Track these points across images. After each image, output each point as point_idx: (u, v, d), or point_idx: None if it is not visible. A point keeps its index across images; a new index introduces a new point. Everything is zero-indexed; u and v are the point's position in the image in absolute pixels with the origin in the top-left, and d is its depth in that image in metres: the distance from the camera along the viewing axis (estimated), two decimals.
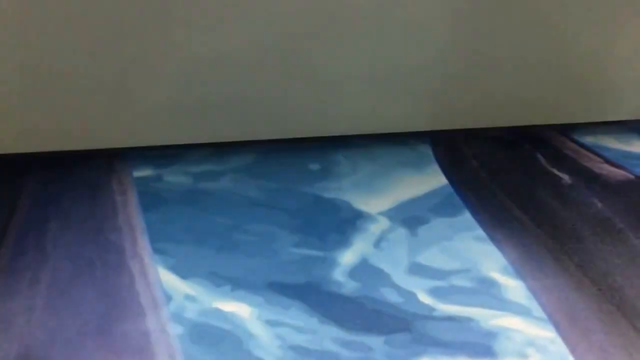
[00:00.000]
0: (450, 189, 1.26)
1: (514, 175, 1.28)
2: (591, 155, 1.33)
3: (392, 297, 1.05)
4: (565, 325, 1.01)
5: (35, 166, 1.28)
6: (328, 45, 1.27)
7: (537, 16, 1.29)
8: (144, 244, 1.15)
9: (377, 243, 1.15)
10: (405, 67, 1.30)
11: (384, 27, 1.27)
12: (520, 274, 1.09)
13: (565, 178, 1.27)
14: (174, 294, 1.04)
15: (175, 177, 1.27)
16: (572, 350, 0.97)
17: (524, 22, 1.29)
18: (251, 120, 1.30)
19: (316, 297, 1.05)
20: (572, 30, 1.31)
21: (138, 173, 1.29)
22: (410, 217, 1.19)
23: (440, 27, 1.28)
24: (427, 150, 1.35)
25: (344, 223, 1.18)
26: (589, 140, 1.36)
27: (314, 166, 1.30)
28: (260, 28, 1.25)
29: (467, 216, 1.20)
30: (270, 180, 1.27)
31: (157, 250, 1.13)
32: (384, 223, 1.18)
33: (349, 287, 1.06)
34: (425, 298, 1.05)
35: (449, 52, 1.30)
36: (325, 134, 1.32)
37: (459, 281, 1.07)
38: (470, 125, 1.35)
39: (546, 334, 0.99)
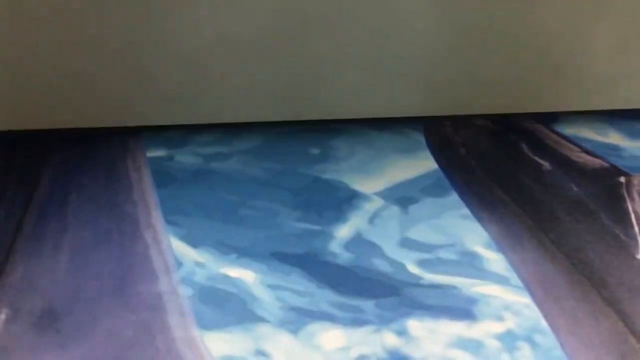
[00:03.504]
0: (440, 173, 1.34)
1: (499, 161, 1.36)
2: (570, 145, 1.41)
3: (383, 267, 1.13)
4: (539, 293, 1.09)
5: (58, 142, 1.37)
6: (329, 35, 1.35)
7: (524, 8, 1.36)
8: (157, 216, 1.23)
9: (371, 219, 1.23)
10: (399, 58, 1.38)
11: (381, 19, 1.35)
12: (500, 248, 1.17)
13: (546, 165, 1.35)
14: (185, 261, 1.12)
15: (186, 158, 1.35)
16: (545, 315, 1.05)
17: (511, 15, 1.36)
18: (258, 104, 1.39)
19: (314, 265, 1.13)
20: (555, 23, 1.38)
21: (151, 153, 1.37)
22: (402, 197, 1.27)
23: (431, 18, 1.36)
24: (419, 137, 1.43)
25: (341, 201, 1.26)
26: (569, 131, 1.44)
27: (314, 150, 1.38)
28: (269, 13, 1.33)
29: (454, 196, 1.28)
30: (274, 162, 1.35)
31: (169, 222, 1.21)
32: (377, 202, 1.26)
33: (344, 257, 1.14)
34: (413, 268, 1.13)
35: (440, 44, 1.38)
36: (326, 117, 1.40)
37: (444, 254, 1.15)
38: (460, 112, 1.43)
39: (522, 300, 1.07)
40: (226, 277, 1.09)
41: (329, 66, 1.38)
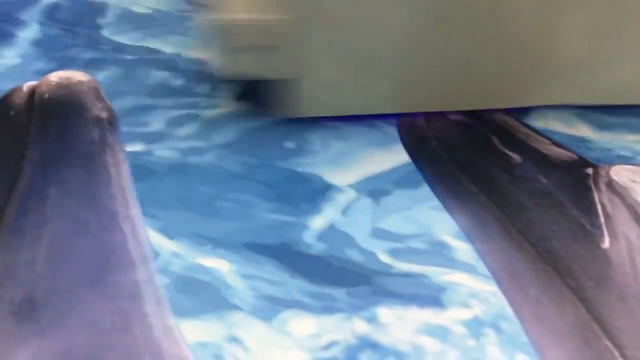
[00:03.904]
0: (412, 166, 1.37)
1: (470, 154, 1.39)
2: (540, 138, 1.44)
3: (355, 256, 1.16)
4: (506, 281, 1.13)
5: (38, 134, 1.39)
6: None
7: (497, 2, 1.39)
8: (135, 209, 1.26)
9: (344, 211, 1.26)
10: (373, 56, 1.41)
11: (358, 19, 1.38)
12: (469, 238, 1.20)
13: (516, 157, 1.39)
14: (162, 251, 1.15)
15: (164, 152, 1.38)
16: (511, 302, 1.09)
17: (483, 9, 1.39)
18: None
19: (288, 256, 1.16)
20: (529, 16, 1.41)
21: (130, 148, 1.40)
22: (374, 189, 1.30)
23: (406, 18, 1.39)
24: (392, 131, 1.46)
25: (315, 194, 1.29)
26: (539, 124, 1.48)
27: (290, 144, 1.41)
28: None
29: (425, 189, 1.31)
30: (249, 156, 1.38)
31: (147, 214, 1.24)
32: (350, 194, 1.30)
33: (318, 247, 1.18)
34: (384, 257, 1.16)
35: (414, 40, 1.41)
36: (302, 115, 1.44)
37: (415, 244, 1.19)
38: (433, 108, 1.46)
39: (488, 288, 1.11)
40: (201, 267, 1.13)
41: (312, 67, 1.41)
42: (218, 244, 1.17)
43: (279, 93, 1.43)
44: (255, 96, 1.51)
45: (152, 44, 1.64)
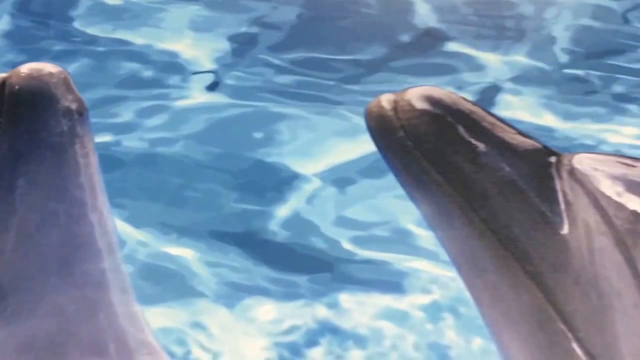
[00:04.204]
0: (378, 155, 1.39)
1: (436, 144, 1.41)
2: (506, 127, 1.46)
3: (318, 244, 1.18)
4: (466, 267, 1.15)
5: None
6: None
7: None
8: (102, 199, 1.28)
9: (309, 200, 1.28)
10: None
11: None
12: (432, 226, 1.22)
13: (481, 147, 1.40)
14: (128, 240, 1.17)
15: (133, 143, 1.40)
16: (469, 287, 1.11)
17: None
18: None
19: (252, 244, 1.18)
20: None
21: (99, 139, 1.41)
22: (340, 178, 1.33)
23: None
24: (360, 121, 1.47)
25: (282, 183, 1.32)
26: (505, 114, 1.50)
27: (258, 135, 1.43)
28: None
29: (390, 178, 1.33)
30: (217, 146, 1.40)
31: (114, 204, 1.25)
32: (317, 183, 1.32)
33: (282, 235, 1.20)
34: (347, 245, 1.18)
35: None
36: None
37: (378, 231, 1.21)
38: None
39: (448, 274, 1.13)
40: (167, 255, 1.15)
41: None
42: (183, 232, 1.19)
43: None
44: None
45: (124, 35, 1.66)
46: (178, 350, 1.02)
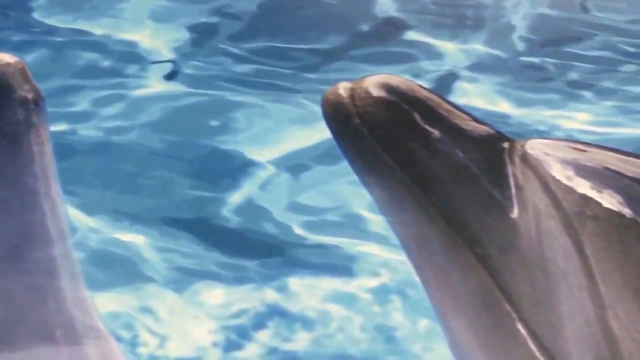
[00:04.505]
0: (333, 142, 1.40)
1: (391, 130, 1.42)
2: (461, 114, 1.47)
3: (270, 229, 1.19)
4: (415, 251, 1.16)
5: None
6: None
7: None
8: (55, 187, 1.28)
9: (264, 186, 1.29)
10: None
11: None
12: (383, 211, 1.23)
13: (436, 133, 1.42)
14: (80, 227, 1.18)
15: (88, 132, 1.40)
16: (418, 270, 1.12)
17: None
18: None
19: (204, 230, 1.19)
20: None
21: (55, 127, 1.41)
22: (294, 164, 1.34)
23: None
24: (317, 109, 1.48)
25: (236, 170, 1.32)
26: (461, 101, 1.51)
27: (214, 122, 1.44)
28: None
29: (344, 164, 1.33)
30: (173, 134, 1.41)
31: (67, 192, 1.26)
32: (271, 170, 1.33)
33: (234, 221, 1.21)
34: (299, 230, 1.19)
35: None
36: None
37: (330, 217, 1.22)
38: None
39: (398, 257, 1.14)
40: (118, 242, 1.15)
41: None
42: (136, 219, 1.20)
43: None
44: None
45: (83, 25, 1.66)
46: (126, 335, 1.03)
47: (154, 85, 1.51)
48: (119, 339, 1.02)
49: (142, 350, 1.02)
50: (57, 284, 1.13)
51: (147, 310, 1.04)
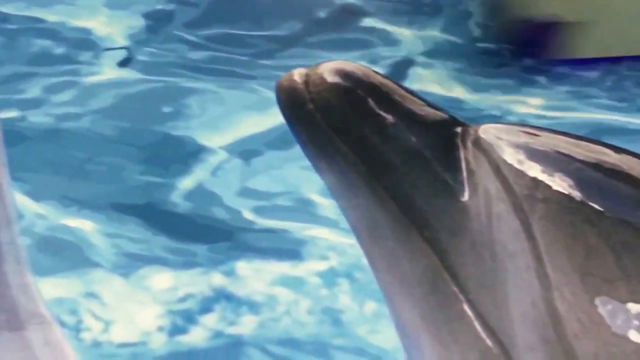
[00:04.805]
0: (286, 128, 1.40)
1: (344, 116, 1.42)
2: (416, 100, 1.47)
3: (220, 214, 1.18)
4: (365, 235, 1.16)
5: None
6: None
7: None
8: (3, 174, 1.27)
9: (215, 171, 1.28)
10: None
11: None
12: (334, 195, 1.23)
13: (389, 118, 1.42)
14: (26, 213, 1.16)
15: (39, 118, 1.39)
16: (367, 253, 1.12)
17: None
18: None
19: (154, 215, 1.18)
20: None
21: (5, 114, 1.40)
22: (247, 150, 1.33)
23: None
24: (270, 95, 1.48)
25: (188, 156, 1.31)
26: (416, 86, 1.52)
27: (167, 109, 1.43)
28: None
29: (296, 150, 1.33)
30: (125, 121, 1.40)
31: (15, 178, 1.25)
32: (222, 155, 1.32)
33: (184, 207, 1.20)
34: (249, 215, 1.19)
35: None
36: None
37: (280, 201, 1.21)
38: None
39: (347, 241, 1.14)
40: (65, 227, 1.14)
41: None
42: (84, 205, 1.19)
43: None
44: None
45: (37, 12, 1.64)
46: (70, 320, 1.02)
47: (108, 72, 1.50)
48: (64, 324, 1.01)
49: (86, 335, 1.02)
50: (1, 271, 1.12)
51: (92, 295, 1.03)
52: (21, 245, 1.12)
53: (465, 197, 1.31)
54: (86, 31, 1.60)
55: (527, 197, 1.25)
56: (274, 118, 1.43)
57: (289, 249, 1.11)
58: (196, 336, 1.01)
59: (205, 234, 1.14)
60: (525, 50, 1.53)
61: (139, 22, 1.66)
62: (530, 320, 1.11)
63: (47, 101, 1.44)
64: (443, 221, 1.24)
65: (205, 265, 1.09)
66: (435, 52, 1.65)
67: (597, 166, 1.36)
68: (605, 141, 1.34)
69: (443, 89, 1.50)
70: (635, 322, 1.07)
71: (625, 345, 1.08)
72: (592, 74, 1.53)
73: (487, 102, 1.45)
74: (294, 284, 1.06)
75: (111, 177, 1.26)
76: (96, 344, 1.01)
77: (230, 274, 1.07)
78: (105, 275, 1.06)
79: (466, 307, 1.10)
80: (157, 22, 1.68)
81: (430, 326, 1.10)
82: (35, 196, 1.21)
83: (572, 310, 1.11)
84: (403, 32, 1.73)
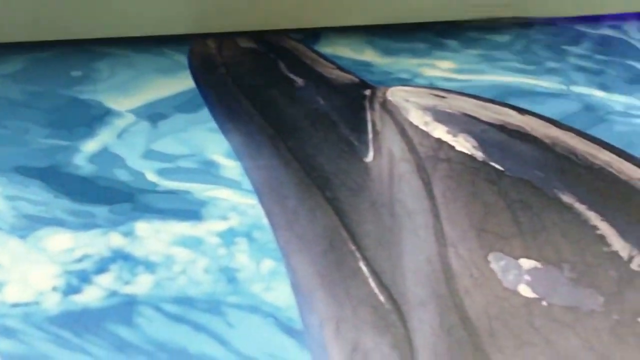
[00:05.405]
0: (196, 92, 1.40)
1: (255, 79, 1.43)
2: (326, 63, 1.49)
3: (123, 176, 1.19)
4: (267, 195, 1.17)
5: None
6: None
7: None
8: None
9: (120, 134, 1.28)
10: None
11: None
12: (239, 157, 1.24)
13: (299, 81, 1.43)
14: None
15: None
16: (268, 213, 1.13)
17: None
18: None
19: (55, 177, 1.18)
20: None
21: None
22: (154, 113, 1.33)
23: None
24: (182, 59, 1.49)
25: (93, 119, 1.31)
26: (327, 50, 1.52)
27: (76, 73, 1.42)
28: None
29: (204, 113, 1.35)
30: (33, 85, 1.39)
31: None
32: (129, 118, 1.32)
33: (87, 169, 1.20)
34: (152, 177, 1.19)
35: None
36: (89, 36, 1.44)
37: (184, 163, 1.22)
38: (223, 29, 1.48)
39: (248, 201, 1.15)
40: None
41: None
42: None
43: None
44: None
45: None
46: None
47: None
48: None
49: None
50: None
51: None
52: None
53: (369, 157, 1.33)
54: None
55: (430, 157, 1.27)
56: (184, 82, 1.43)
57: (190, 210, 1.12)
58: (90, 296, 1.02)
59: (107, 196, 1.14)
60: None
61: None
62: (423, 276, 1.13)
63: None
64: (344, 181, 1.26)
65: (105, 227, 1.09)
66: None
67: (501, 127, 1.39)
68: (513, 103, 1.37)
69: (354, 52, 1.51)
70: (526, 277, 1.10)
71: (515, 299, 1.11)
72: (503, 38, 1.55)
73: (397, 66, 1.47)
74: (193, 243, 1.06)
75: (15, 140, 1.25)
76: None
77: (129, 234, 1.08)
78: (2, 237, 1.06)
79: (362, 265, 1.12)
80: None
81: (325, 283, 1.12)
82: None
83: (466, 266, 1.13)
84: None
